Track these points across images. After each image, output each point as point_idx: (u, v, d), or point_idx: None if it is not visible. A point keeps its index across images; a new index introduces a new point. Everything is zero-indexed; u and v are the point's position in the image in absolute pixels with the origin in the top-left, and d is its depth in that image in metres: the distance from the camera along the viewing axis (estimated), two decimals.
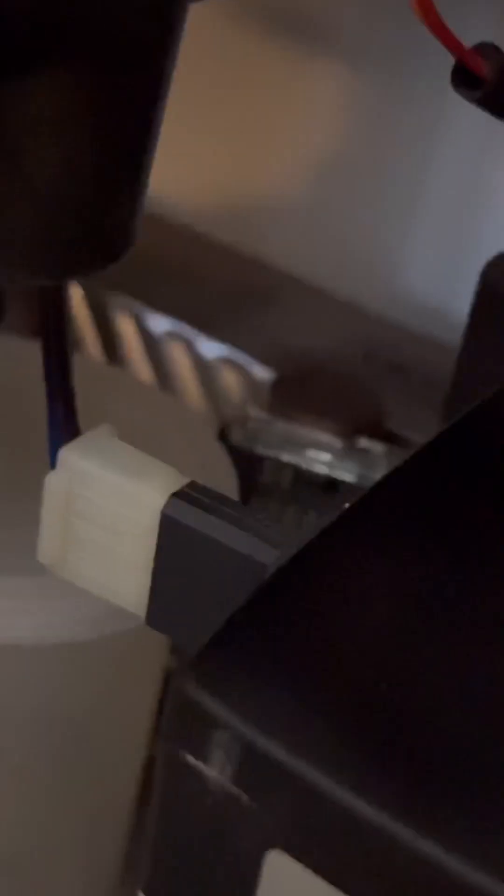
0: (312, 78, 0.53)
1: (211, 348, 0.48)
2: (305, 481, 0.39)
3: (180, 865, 0.23)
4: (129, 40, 0.24)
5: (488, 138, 0.50)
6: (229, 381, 0.48)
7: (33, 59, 0.23)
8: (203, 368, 0.48)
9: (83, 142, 0.24)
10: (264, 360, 0.47)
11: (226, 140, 0.55)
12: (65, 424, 0.30)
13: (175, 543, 0.27)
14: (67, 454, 0.28)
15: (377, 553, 0.24)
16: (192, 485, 0.27)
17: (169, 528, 0.27)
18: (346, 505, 0.25)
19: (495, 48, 0.27)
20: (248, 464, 0.39)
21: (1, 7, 0.22)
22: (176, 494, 0.27)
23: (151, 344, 0.49)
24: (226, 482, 0.36)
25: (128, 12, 0.24)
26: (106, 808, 0.39)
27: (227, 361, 0.48)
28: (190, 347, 0.48)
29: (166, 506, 0.27)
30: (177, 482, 0.27)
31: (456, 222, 0.51)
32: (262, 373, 0.47)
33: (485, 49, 0.27)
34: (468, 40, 0.29)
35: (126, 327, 0.50)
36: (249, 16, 0.53)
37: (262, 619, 0.23)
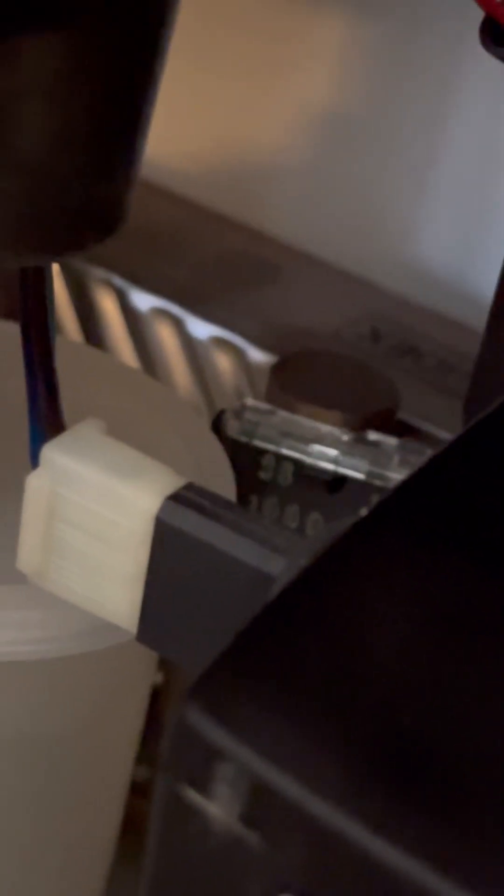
0: (314, 25, 0.53)
1: (202, 328, 0.48)
2: (309, 478, 0.39)
3: None
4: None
5: None
6: (223, 365, 0.48)
7: (23, 18, 0.23)
8: (193, 351, 0.48)
9: (76, 111, 0.24)
10: (261, 341, 0.47)
11: (217, 95, 0.55)
12: (47, 418, 0.30)
13: (170, 551, 0.27)
14: (50, 452, 0.28)
15: (400, 565, 0.24)
16: (190, 486, 0.27)
17: (164, 535, 0.27)
18: (364, 511, 0.25)
19: None
20: (244, 458, 0.39)
21: None
22: (171, 497, 0.27)
23: (135, 323, 0.49)
24: (222, 480, 0.36)
25: None
26: (86, 837, 0.39)
27: (220, 343, 0.48)
28: (178, 327, 0.48)
29: (161, 510, 0.27)
30: (172, 483, 0.27)
31: (475, 187, 0.51)
32: (259, 356, 0.47)
33: None
34: None
35: (107, 305, 0.50)
36: None
37: (271, 638, 0.23)
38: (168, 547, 0.27)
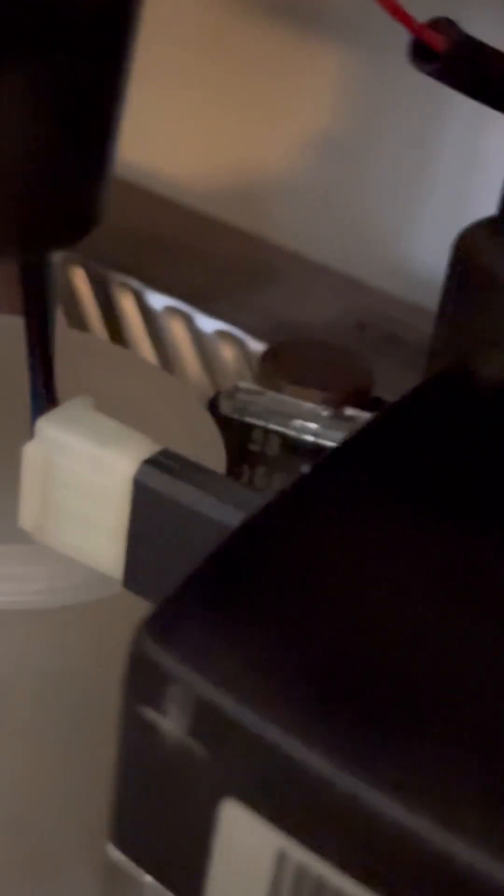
0: (311, 57, 0.53)
1: (208, 323, 0.48)
2: (293, 449, 0.39)
3: (142, 815, 0.23)
4: (88, 30, 0.24)
5: (483, 115, 0.49)
6: (226, 354, 0.48)
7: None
8: (201, 343, 0.48)
9: (45, 124, 0.24)
10: (260, 333, 0.48)
11: (226, 120, 0.55)
12: (44, 395, 0.30)
13: (147, 508, 0.27)
14: (44, 424, 0.28)
15: (334, 513, 0.24)
16: (165, 452, 0.27)
17: (140, 494, 0.27)
18: (306, 468, 0.25)
19: (450, 22, 0.27)
20: (237, 433, 0.39)
21: None
22: (147, 461, 0.27)
23: (151, 320, 0.49)
24: (212, 450, 0.36)
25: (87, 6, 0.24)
26: (104, 765, 0.39)
27: (224, 336, 0.48)
28: (188, 323, 0.49)
29: (138, 472, 0.27)
30: (148, 449, 0.27)
31: (451, 199, 0.51)
32: (257, 346, 0.47)
33: (440, 24, 0.27)
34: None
35: (127, 304, 0.50)
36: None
37: (217, 577, 0.23)
38: (145, 504, 0.27)
